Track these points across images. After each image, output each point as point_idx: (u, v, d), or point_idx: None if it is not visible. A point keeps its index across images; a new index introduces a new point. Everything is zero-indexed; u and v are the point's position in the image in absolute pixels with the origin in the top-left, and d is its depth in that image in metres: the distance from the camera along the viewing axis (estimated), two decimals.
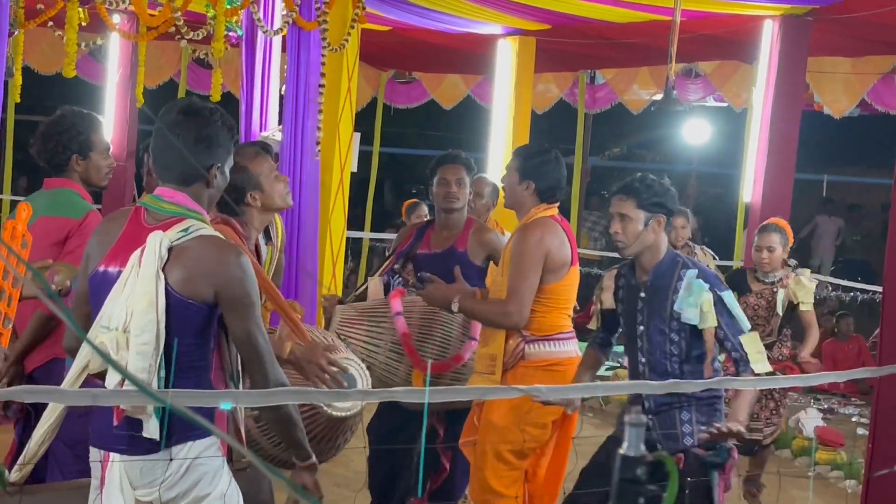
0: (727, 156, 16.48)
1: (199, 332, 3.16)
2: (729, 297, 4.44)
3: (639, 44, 11.02)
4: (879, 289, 5.64)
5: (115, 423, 3.07)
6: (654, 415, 4.43)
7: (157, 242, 3.09)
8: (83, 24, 7.03)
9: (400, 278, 5.76)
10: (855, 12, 8.98)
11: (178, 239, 3.12)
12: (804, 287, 6.69)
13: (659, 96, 12.59)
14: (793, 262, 6.95)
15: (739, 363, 4.45)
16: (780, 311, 6.70)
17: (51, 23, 8.21)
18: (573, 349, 5.10)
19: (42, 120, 4.82)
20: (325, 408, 3.95)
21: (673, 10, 7.27)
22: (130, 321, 3.03)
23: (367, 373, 4.13)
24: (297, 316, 4.11)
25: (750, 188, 9.75)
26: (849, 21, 9.25)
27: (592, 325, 4.79)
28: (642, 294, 4.54)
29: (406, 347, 5.14)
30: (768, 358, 6.44)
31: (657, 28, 9.74)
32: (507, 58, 11.90)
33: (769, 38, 9.63)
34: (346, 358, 4.05)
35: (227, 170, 3.31)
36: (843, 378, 6.40)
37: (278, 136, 7.62)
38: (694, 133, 18.38)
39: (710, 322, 4.37)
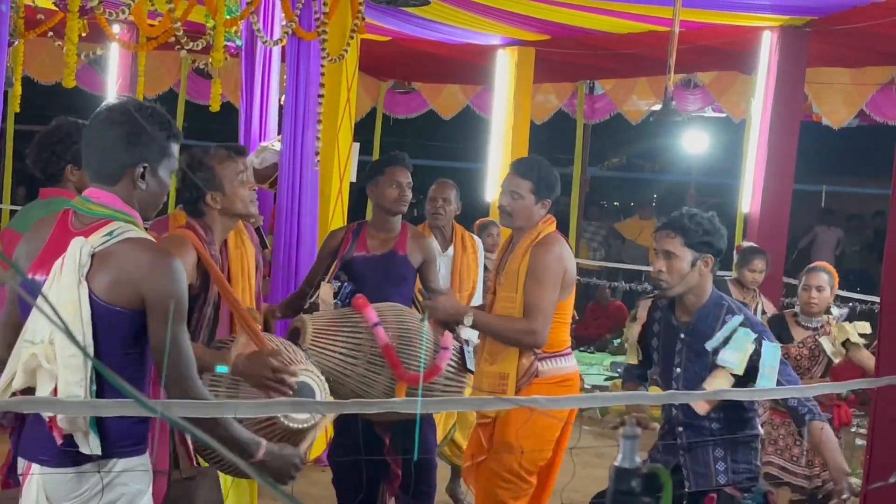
0: (726, 166, 16.51)
1: (130, 341, 3.01)
2: (772, 350, 4.21)
3: (637, 54, 11.03)
4: (878, 299, 5.64)
5: (59, 441, 2.93)
6: (685, 451, 4.31)
7: (77, 249, 2.96)
8: (83, 34, 7.04)
9: (349, 284, 5.66)
10: (854, 23, 8.98)
11: (102, 244, 2.99)
12: (847, 331, 6.47)
13: (658, 107, 12.60)
14: (836, 310, 6.79)
15: (799, 411, 4.25)
16: (832, 357, 6.42)
17: (51, 33, 8.23)
18: (575, 363, 5.11)
19: (41, 130, 4.83)
20: (281, 419, 3.83)
21: (672, 20, 7.27)
22: (55, 333, 2.88)
23: (325, 384, 4.00)
24: (258, 325, 4.08)
25: (749, 199, 9.75)
26: (847, 32, 9.26)
27: (631, 358, 4.61)
28: (682, 335, 4.36)
29: (390, 359, 5.00)
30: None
31: (656, 39, 9.76)
32: (506, 68, 11.92)
33: (768, 48, 9.64)
34: (304, 369, 3.94)
35: (162, 173, 3.16)
36: (841, 388, 6.37)
37: (278, 146, 7.62)
38: (693, 143, 18.41)
39: (765, 382, 4.17)
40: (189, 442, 3.52)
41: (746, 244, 7.98)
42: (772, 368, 4.15)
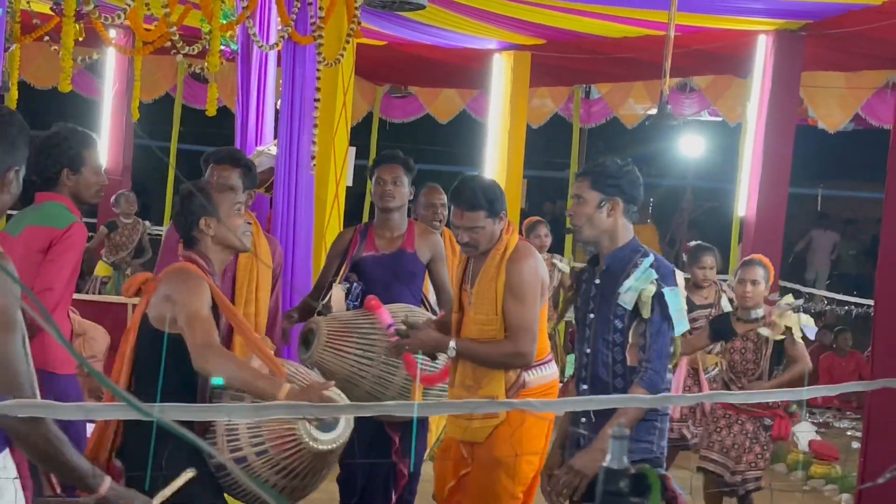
0: (722, 170, 16.51)
1: None
2: (673, 295, 4.11)
3: (633, 59, 11.05)
4: (873, 302, 5.65)
5: None
6: (592, 431, 4.16)
7: None
8: (79, 38, 7.04)
9: (358, 285, 5.68)
10: (848, 27, 9.01)
11: None
12: (789, 318, 6.39)
13: (653, 111, 12.60)
14: (777, 298, 6.85)
15: (638, 371, 4.09)
16: (772, 337, 6.36)
17: (47, 37, 8.23)
18: (556, 369, 5.08)
19: (38, 135, 4.84)
20: (310, 442, 3.88)
21: (667, 25, 7.29)
22: None
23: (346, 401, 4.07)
24: (270, 351, 4.10)
25: (744, 202, 9.77)
26: (842, 36, 9.29)
27: None
28: (597, 281, 4.30)
29: (407, 360, 5.10)
30: (760, 404, 6.40)
31: (651, 43, 9.78)
32: (502, 72, 11.93)
33: (763, 52, 9.66)
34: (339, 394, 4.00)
35: (21, 175, 3.03)
36: (835, 392, 6.36)
37: (274, 151, 7.62)
38: (689, 147, 18.43)
39: (644, 313, 4.09)
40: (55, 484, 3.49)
41: (693, 243, 7.98)
42: (678, 311, 4.10)
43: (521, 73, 11.87)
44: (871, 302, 10.09)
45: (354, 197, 11.70)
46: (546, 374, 4.92)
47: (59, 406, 2.44)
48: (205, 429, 4.01)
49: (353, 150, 8.49)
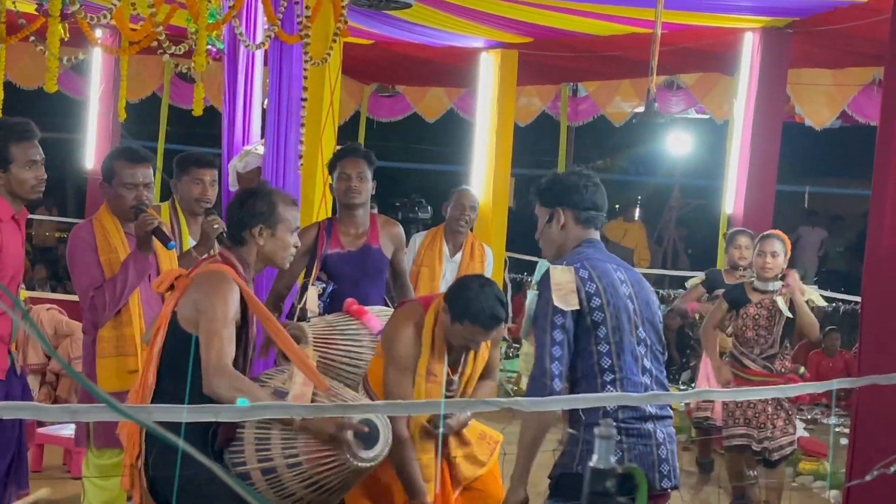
0: (709, 167, 16.53)
1: None
2: (531, 298, 3.94)
3: (620, 57, 11.06)
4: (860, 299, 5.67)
5: None
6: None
7: None
8: (65, 38, 7.01)
9: (329, 284, 5.59)
10: (835, 24, 9.02)
11: None
12: (812, 295, 6.82)
13: (641, 108, 12.62)
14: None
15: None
16: (787, 313, 6.68)
17: (32, 37, 8.19)
18: None
19: None
20: (351, 460, 3.86)
21: (654, 23, 7.29)
22: None
23: (387, 420, 4.00)
24: (312, 363, 4.06)
25: (732, 199, 9.79)
26: (829, 33, 9.30)
27: None
28: None
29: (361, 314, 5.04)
30: (770, 370, 6.62)
31: (638, 41, 9.78)
32: (489, 71, 11.93)
33: (750, 50, 9.67)
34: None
35: None
36: (822, 388, 6.41)
37: (261, 150, 7.61)
38: (676, 145, 18.45)
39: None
40: None
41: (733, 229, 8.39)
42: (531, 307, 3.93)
43: (508, 72, 11.87)
44: (858, 299, 10.13)
45: None
46: None
47: (43, 408, 2.44)
48: (229, 437, 3.96)
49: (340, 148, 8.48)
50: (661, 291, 13.75)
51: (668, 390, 4.02)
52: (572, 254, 4.02)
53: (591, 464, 1.68)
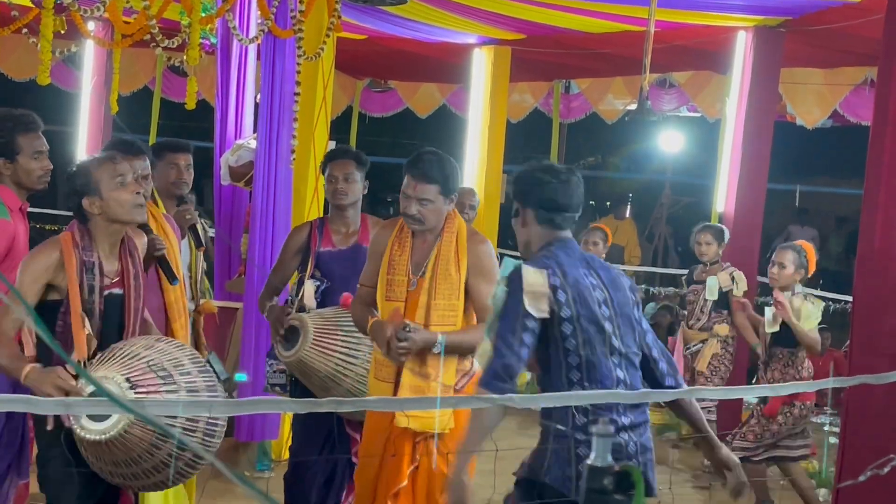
0: (701, 165, 16.58)
1: None
2: (497, 292, 3.86)
3: (613, 54, 11.06)
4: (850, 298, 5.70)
5: None
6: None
7: None
8: (61, 31, 7.00)
9: (322, 281, 5.59)
10: (828, 24, 9.03)
11: None
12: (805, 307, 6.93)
13: (633, 106, 12.60)
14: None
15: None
16: (770, 328, 6.98)
17: (25, 30, 8.18)
18: None
19: None
20: (78, 430, 3.87)
21: (647, 20, 7.30)
22: None
23: (128, 394, 3.84)
24: (83, 332, 4.04)
25: (723, 198, 9.79)
26: (822, 32, 9.31)
27: None
28: None
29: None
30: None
31: (631, 38, 9.79)
32: (482, 67, 11.92)
33: (742, 48, 9.68)
34: (103, 377, 3.84)
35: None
36: (813, 388, 6.46)
37: (253, 145, 7.61)
38: (668, 143, 18.47)
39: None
40: None
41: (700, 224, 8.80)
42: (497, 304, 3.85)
43: (500, 68, 11.86)
44: (848, 298, 10.15)
45: None
46: None
47: (37, 401, 2.44)
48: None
49: (333, 144, 8.47)
50: (651, 289, 13.77)
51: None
52: (542, 255, 3.94)
53: (588, 462, 1.68)
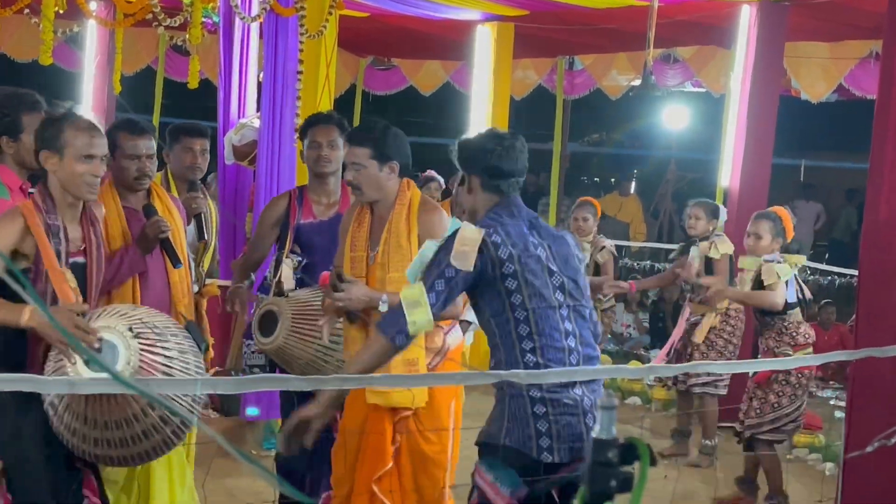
0: (705, 141, 16.53)
1: None
2: (428, 245, 3.95)
3: (617, 29, 11.01)
4: (857, 272, 5.69)
5: None
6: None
7: None
8: (60, 11, 6.99)
9: (302, 256, 5.46)
10: None
11: None
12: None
13: (637, 82, 12.60)
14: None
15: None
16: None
17: (27, 10, 8.17)
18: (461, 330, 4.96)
19: None
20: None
21: None
22: None
23: (132, 342, 3.88)
24: (69, 286, 4.00)
25: (728, 173, 9.77)
26: (826, 6, 9.27)
27: None
28: None
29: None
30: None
31: (635, 14, 9.74)
32: (485, 44, 11.88)
33: (747, 22, 9.64)
34: (105, 326, 3.86)
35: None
36: (819, 361, 6.45)
37: (256, 123, 7.60)
38: (672, 118, 18.42)
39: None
40: None
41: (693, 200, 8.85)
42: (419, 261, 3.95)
43: (504, 45, 11.82)
44: (854, 272, 10.16)
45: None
46: (458, 335, 4.84)
47: (43, 380, 2.44)
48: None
49: None
50: (657, 265, 13.76)
51: (594, 347, 4.01)
52: (486, 217, 3.99)
53: (593, 435, 1.68)
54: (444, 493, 4.78)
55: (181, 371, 3.97)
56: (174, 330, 4.15)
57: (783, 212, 7.08)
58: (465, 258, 3.79)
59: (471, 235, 3.82)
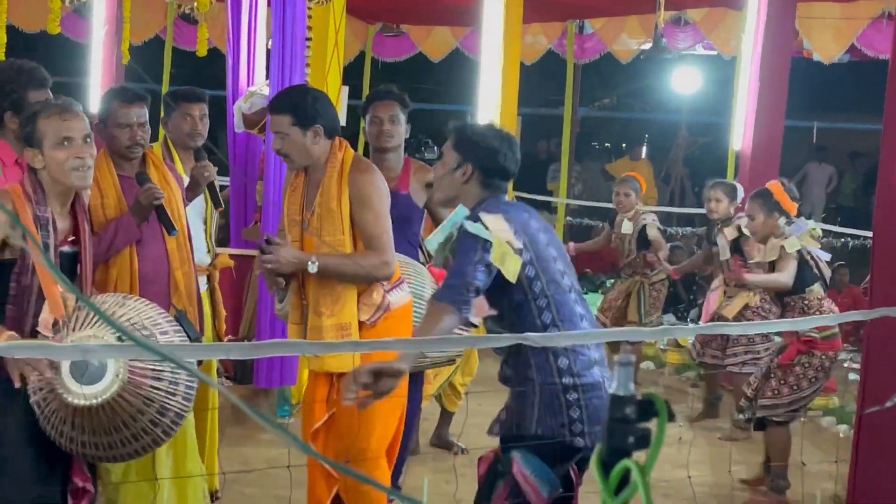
0: (717, 104, 16.43)
1: None
2: (474, 227, 3.90)
3: None
4: (871, 234, 5.65)
5: None
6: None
7: None
8: None
9: None
10: None
11: None
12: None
13: (648, 45, 12.53)
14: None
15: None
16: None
17: None
18: (408, 290, 4.93)
19: None
20: (63, 394, 3.66)
21: None
22: None
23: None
24: (57, 289, 3.80)
25: (740, 136, 9.74)
26: None
27: None
28: None
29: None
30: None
31: None
32: (495, 9, 11.79)
33: None
34: (93, 336, 3.62)
35: None
36: (835, 321, 6.42)
37: (265, 91, 7.57)
38: (683, 82, 18.31)
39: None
40: None
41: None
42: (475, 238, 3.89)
43: (513, 10, 11.74)
44: (868, 234, 10.12)
45: (347, 137, 11.61)
46: (404, 294, 4.80)
47: (57, 347, 2.44)
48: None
49: (346, 89, 8.41)
50: (668, 229, 13.72)
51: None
52: (486, 206, 3.98)
53: (611, 391, 1.67)
54: (375, 463, 4.65)
55: (171, 373, 3.92)
56: (164, 327, 4.06)
57: (774, 186, 6.92)
58: (506, 260, 3.82)
59: (498, 225, 3.84)
